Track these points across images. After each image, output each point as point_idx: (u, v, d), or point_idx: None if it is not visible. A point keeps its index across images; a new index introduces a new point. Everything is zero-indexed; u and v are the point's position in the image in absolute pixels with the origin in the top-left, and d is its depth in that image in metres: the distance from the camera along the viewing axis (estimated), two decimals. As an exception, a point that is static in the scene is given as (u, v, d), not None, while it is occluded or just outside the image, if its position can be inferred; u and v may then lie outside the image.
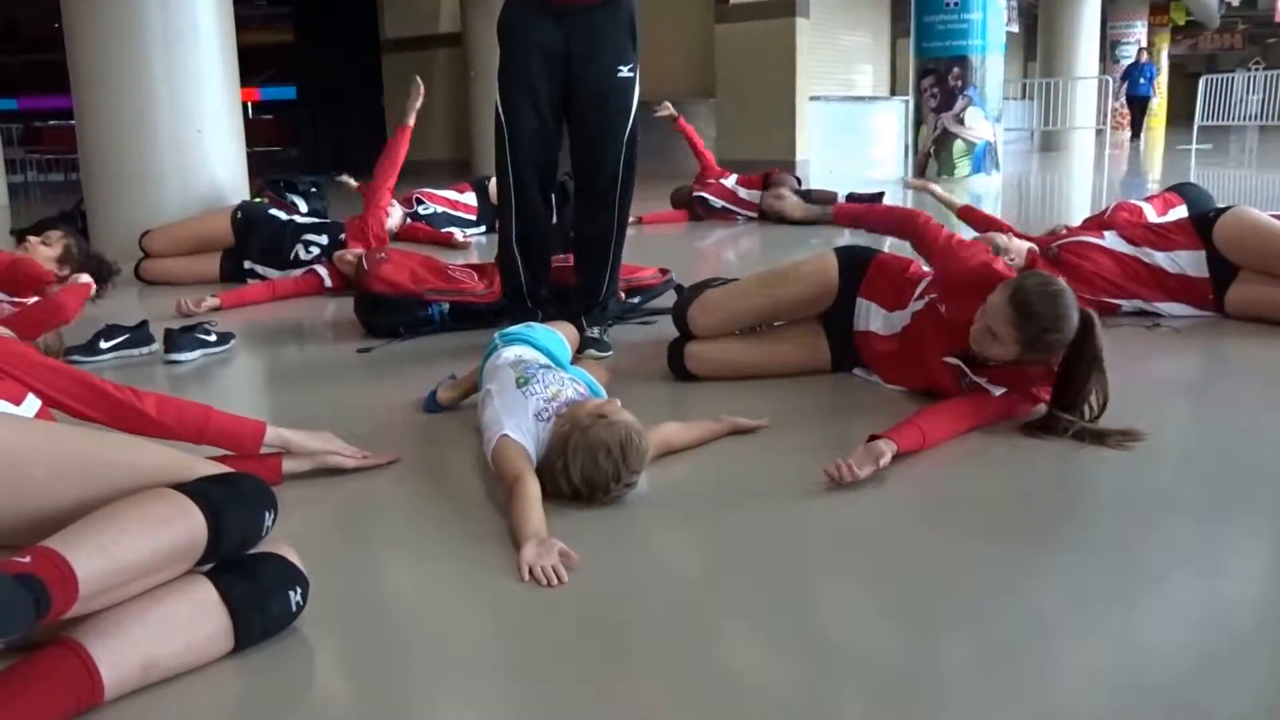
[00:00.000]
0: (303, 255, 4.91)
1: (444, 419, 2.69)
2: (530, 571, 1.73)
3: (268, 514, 1.51)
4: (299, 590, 1.54)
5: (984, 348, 2.43)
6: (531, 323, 2.84)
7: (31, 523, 1.39)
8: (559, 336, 2.68)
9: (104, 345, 3.44)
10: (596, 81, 3.28)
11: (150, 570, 1.37)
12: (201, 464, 1.54)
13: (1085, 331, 2.37)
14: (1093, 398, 2.40)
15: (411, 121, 4.97)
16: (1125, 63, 20.53)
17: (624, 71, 3.29)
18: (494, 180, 5.01)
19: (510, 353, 2.47)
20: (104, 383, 2.01)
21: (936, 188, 4.98)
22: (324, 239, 4.96)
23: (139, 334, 3.52)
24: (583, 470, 2.01)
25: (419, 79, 4.94)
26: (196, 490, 1.43)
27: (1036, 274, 2.47)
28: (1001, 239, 4.05)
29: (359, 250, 4.40)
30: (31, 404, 2.35)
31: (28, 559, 1.24)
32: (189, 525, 1.40)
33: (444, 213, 6.70)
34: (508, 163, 3.35)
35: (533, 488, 1.97)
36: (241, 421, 2.16)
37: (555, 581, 1.71)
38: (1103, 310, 3.58)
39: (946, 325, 2.58)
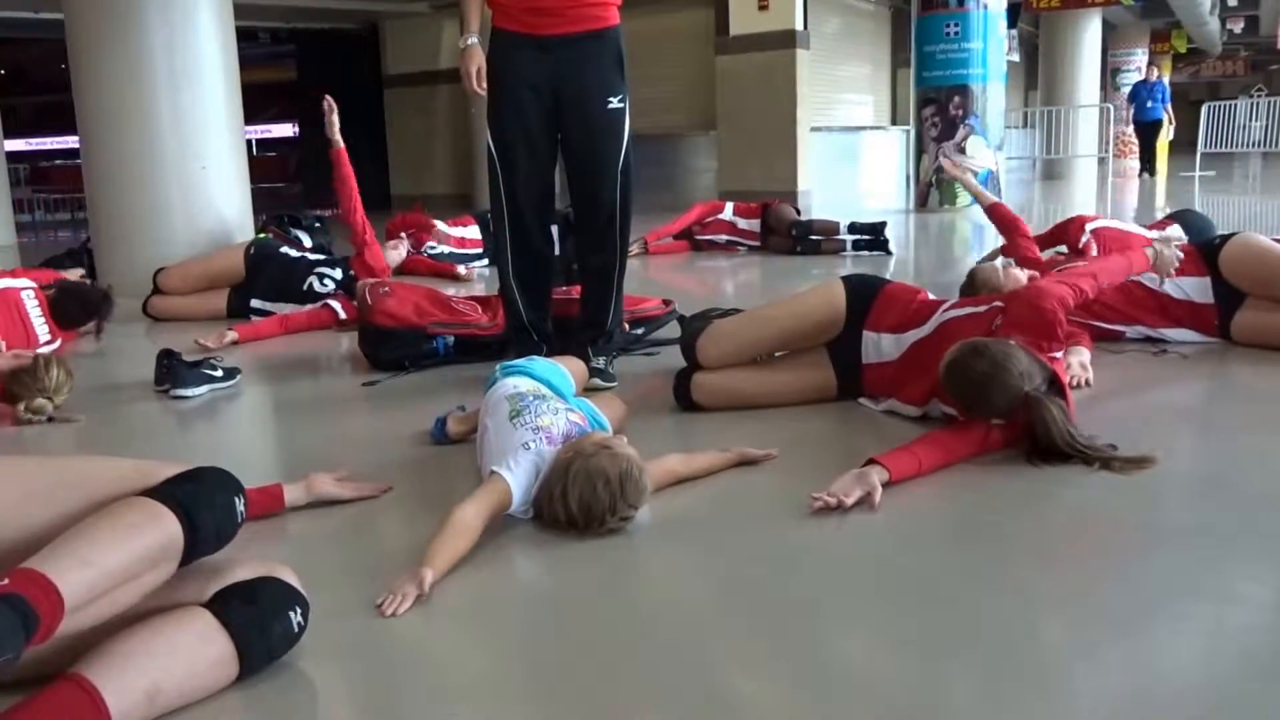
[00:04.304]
0: (317, 287, 4.95)
1: (450, 451, 2.69)
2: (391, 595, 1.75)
3: (237, 499, 1.51)
4: (299, 610, 1.55)
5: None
6: (534, 356, 2.82)
7: (5, 553, 1.39)
8: (561, 369, 2.65)
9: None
10: (586, 114, 3.28)
11: (133, 575, 1.37)
12: (164, 468, 1.53)
13: (1033, 409, 2.36)
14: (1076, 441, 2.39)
15: (339, 140, 4.82)
16: (1126, 90, 19.62)
17: (614, 103, 3.28)
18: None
19: (509, 384, 2.45)
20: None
21: (971, 179, 5.00)
22: (338, 273, 5.01)
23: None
24: (580, 497, 2.00)
25: (329, 97, 4.71)
26: (162, 491, 1.44)
27: (975, 346, 2.44)
28: (999, 273, 4.04)
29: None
30: None
31: (6, 581, 1.25)
32: (162, 525, 1.40)
33: (452, 252, 6.76)
34: (503, 199, 3.37)
35: (470, 522, 1.95)
36: None
37: (393, 609, 1.72)
38: (1107, 337, 3.60)
39: None
